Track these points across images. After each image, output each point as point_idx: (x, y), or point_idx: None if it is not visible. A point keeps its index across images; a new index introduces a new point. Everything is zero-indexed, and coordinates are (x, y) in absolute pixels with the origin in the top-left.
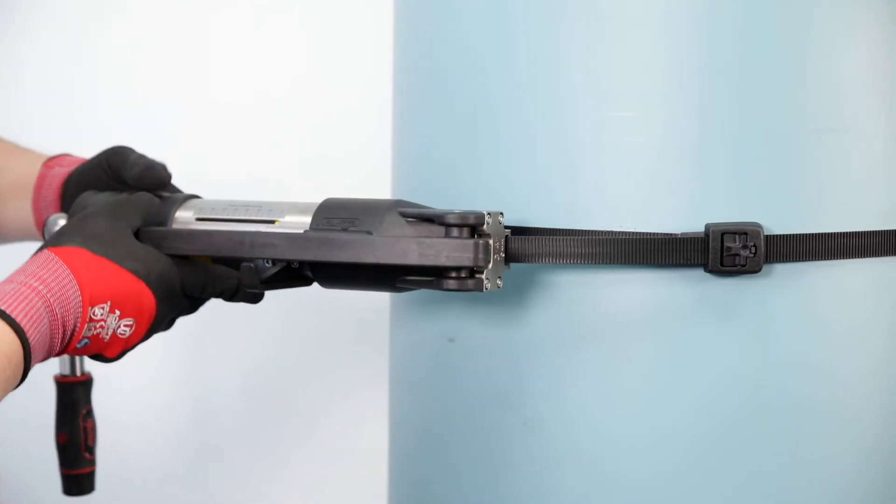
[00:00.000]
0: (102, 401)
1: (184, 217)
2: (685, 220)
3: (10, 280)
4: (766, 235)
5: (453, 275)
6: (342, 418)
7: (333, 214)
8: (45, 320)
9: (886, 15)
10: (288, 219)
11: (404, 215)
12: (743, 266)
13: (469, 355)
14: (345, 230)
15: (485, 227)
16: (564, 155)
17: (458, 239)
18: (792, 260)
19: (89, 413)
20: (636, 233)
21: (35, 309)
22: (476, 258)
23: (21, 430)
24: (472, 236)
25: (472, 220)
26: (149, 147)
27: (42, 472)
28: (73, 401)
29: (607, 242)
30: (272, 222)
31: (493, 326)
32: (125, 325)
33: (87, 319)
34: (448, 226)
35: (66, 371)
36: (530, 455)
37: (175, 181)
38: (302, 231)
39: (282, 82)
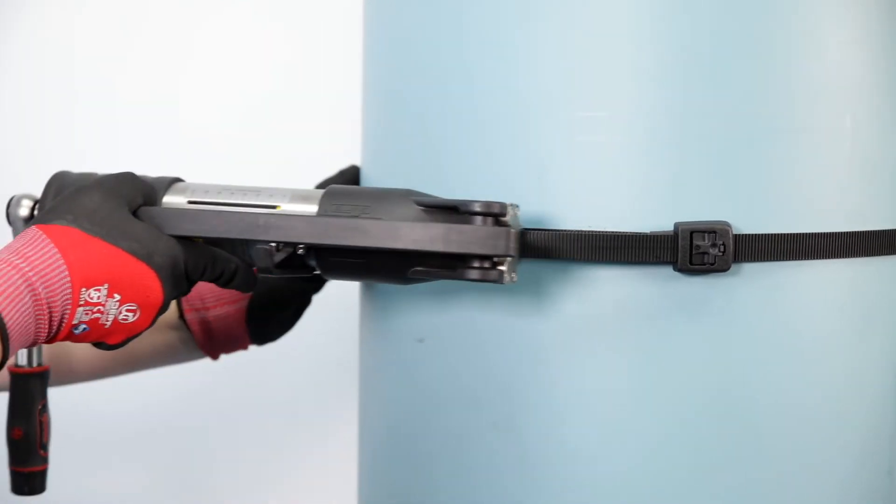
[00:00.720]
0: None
1: (174, 201)
2: (654, 220)
3: None
4: (736, 235)
5: (476, 264)
6: (311, 419)
7: (342, 202)
8: (28, 300)
9: (854, 16)
10: (291, 205)
11: (420, 204)
12: (712, 264)
13: (438, 356)
14: (354, 217)
15: (507, 217)
16: (534, 154)
17: (488, 227)
18: (761, 259)
19: (45, 407)
20: (606, 231)
21: (15, 287)
22: (507, 247)
23: None
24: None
25: (496, 209)
26: (115, 140)
27: None
28: (30, 393)
29: (577, 238)
30: (273, 208)
31: (461, 327)
32: (127, 311)
33: (82, 303)
34: (471, 214)
35: (23, 361)
36: (500, 456)
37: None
38: (319, 215)
39: (254, 82)
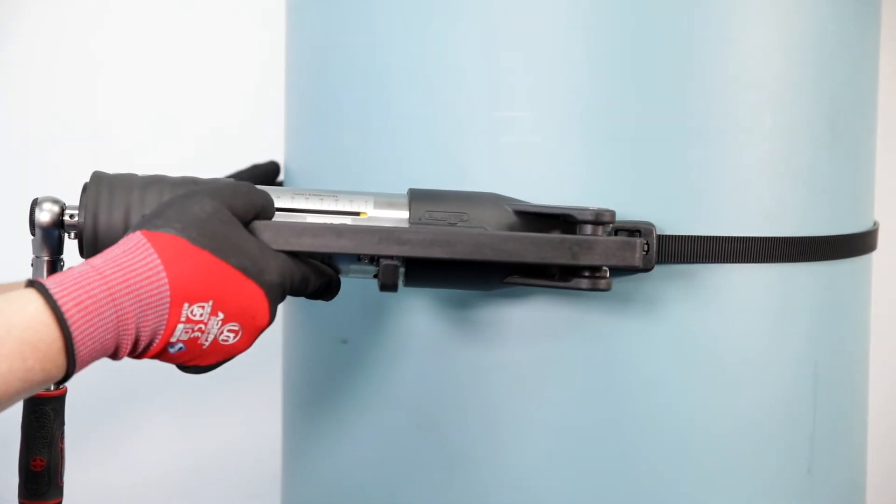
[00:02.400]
0: None
1: None
2: None
3: (85, 262)
4: (660, 235)
5: (587, 274)
6: (235, 418)
7: (434, 208)
8: (109, 314)
9: (772, 18)
10: (378, 211)
11: (517, 212)
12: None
13: (362, 356)
14: (452, 225)
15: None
16: (456, 154)
17: (618, 239)
18: (684, 261)
19: (63, 434)
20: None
21: (93, 299)
22: (636, 258)
23: None
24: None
25: (607, 218)
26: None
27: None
28: (51, 419)
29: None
30: (357, 214)
31: (385, 328)
32: (229, 331)
33: (184, 319)
34: (583, 223)
35: None
36: (423, 456)
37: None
38: (428, 226)
39: (179, 79)
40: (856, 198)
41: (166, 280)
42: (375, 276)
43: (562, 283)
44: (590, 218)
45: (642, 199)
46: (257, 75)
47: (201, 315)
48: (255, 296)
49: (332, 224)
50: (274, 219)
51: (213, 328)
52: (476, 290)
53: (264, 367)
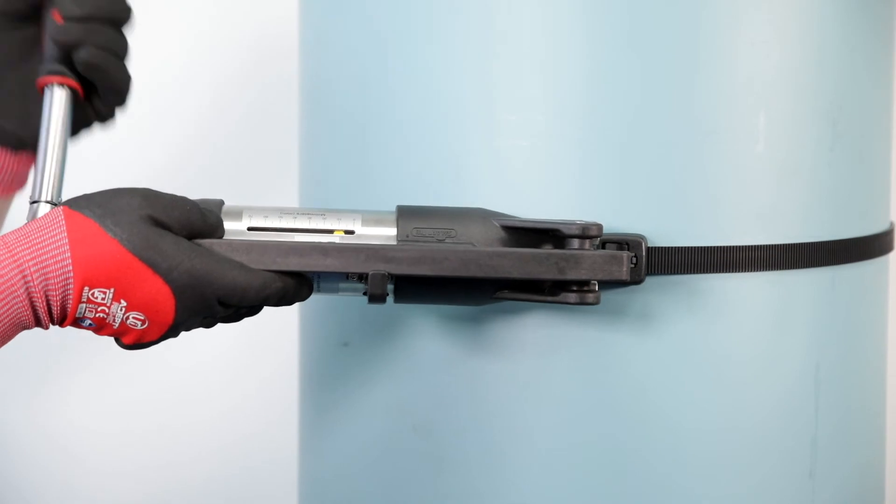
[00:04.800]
0: None
1: (232, 227)
2: None
3: (0, 238)
4: (649, 247)
5: (574, 288)
6: (256, 415)
7: (422, 225)
8: (21, 290)
9: (765, 16)
10: (366, 229)
11: (505, 227)
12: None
13: (361, 359)
14: (440, 241)
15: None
16: (451, 158)
17: (604, 252)
18: (675, 272)
19: None
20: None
21: (4, 278)
22: (623, 272)
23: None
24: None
25: (594, 232)
26: None
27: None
28: None
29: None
30: (345, 232)
31: (383, 332)
32: (135, 318)
33: (84, 300)
34: (567, 237)
35: None
36: (420, 459)
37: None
38: (415, 243)
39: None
40: (864, 199)
41: (70, 260)
42: (366, 294)
43: (550, 298)
44: (576, 232)
45: (634, 210)
46: (271, 81)
47: (103, 299)
48: (160, 292)
49: (317, 243)
50: (262, 237)
51: (116, 313)
52: (466, 305)
53: (282, 363)
